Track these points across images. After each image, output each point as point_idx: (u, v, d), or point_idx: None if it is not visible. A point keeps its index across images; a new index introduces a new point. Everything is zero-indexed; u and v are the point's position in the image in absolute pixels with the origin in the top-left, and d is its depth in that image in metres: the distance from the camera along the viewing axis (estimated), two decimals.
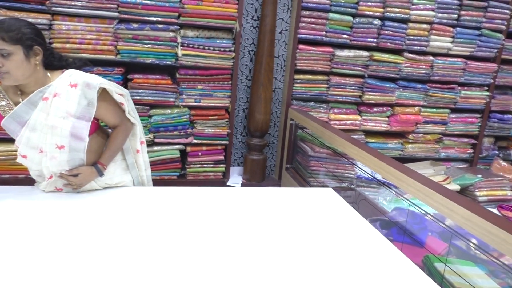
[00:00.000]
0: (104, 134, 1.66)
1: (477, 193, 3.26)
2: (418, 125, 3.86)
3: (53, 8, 2.88)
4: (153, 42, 3.09)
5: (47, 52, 1.44)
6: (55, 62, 1.48)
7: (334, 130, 2.58)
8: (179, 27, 3.13)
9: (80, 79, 1.44)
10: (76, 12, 2.92)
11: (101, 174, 1.54)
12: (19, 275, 0.98)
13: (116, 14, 2.98)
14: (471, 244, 1.90)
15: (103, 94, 1.50)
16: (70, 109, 1.42)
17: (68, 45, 2.94)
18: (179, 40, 3.13)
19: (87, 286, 0.96)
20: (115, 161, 1.64)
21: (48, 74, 1.46)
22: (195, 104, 3.31)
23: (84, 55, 2.98)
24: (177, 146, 3.33)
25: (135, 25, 3.01)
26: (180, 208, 1.44)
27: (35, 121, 1.42)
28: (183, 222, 1.32)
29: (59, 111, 1.41)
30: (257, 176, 3.67)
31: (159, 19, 3.06)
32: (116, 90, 1.54)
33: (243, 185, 3.59)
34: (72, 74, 1.46)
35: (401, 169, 1.67)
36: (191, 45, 3.17)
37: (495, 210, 2.79)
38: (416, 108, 3.82)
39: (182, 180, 3.38)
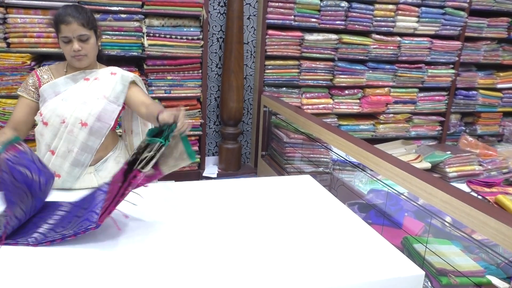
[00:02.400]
0: (117, 137, 1.69)
1: (447, 170, 3.36)
2: (388, 105, 3.92)
3: (6, 1, 2.70)
4: (117, 33, 2.97)
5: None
6: (100, 52, 1.63)
7: (307, 115, 2.57)
8: (143, 17, 3.01)
9: (120, 70, 1.61)
10: (32, 4, 2.75)
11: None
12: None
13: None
14: (446, 223, 1.96)
15: (135, 83, 1.63)
16: (106, 92, 1.52)
17: (25, 39, 2.78)
18: (144, 30, 3.02)
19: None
20: (117, 162, 1.62)
21: (97, 63, 1.62)
22: (165, 95, 3.22)
23: (43, 49, 2.83)
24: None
25: (97, 16, 2.87)
26: (157, 203, 1.40)
27: (70, 93, 1.50)
28: (161, 218, 1.28)
29: (95, 92, 1.51)
30: (233, 165, 3.64)
31: (122, 8, 2.94)
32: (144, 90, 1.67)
33: (219, 174, 3.56)
34: (114, 67, 1.62)
35: (376, 152, 1.68)
36: (157, 35, 3.06)
37: (464, 186, 2.89)
38: (386, 89, 3.87)
39: None
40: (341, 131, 2.17)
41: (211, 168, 3.65)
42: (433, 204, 1.34)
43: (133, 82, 1.61)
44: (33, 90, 1.52)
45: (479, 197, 2.39)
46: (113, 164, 1.61)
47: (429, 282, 1.36)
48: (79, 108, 1.48)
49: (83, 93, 1.51)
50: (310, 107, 3.68)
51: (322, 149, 3.10)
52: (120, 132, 1.83)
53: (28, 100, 1.52)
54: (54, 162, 1.50)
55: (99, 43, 1.57)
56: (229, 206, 1.42)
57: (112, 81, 1.55)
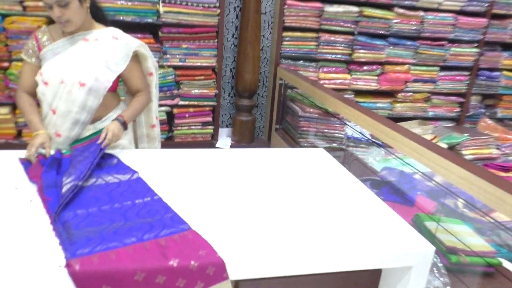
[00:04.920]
0: (118, 98, 1.70)
1: (464, 152, 3.29)
2: (407, 83, 3.83)
3: None
4: None
5: None
6: (99, 12, 1.60)
7: (324, 88, 2.52)
8: None
9: (123, 35, 1.58)
10: None
11: (125, 127, 1.53)
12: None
13: None
14: (460, 202, 1.93)
15: (137, 58, 1.62)
16: (105, 55, 1.50)
17: (41, 3, 2.70)
18: None
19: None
20: (124, 133, 1.62)
21: (95, 23, 1.57)
22: (180, 64, 3.19)
23: None
24: (163, 108, 3.24)
25: None
26: (169, 169, 1.40)
27: (69, 54, 1.50)
28: (173, 183, 1.28)
29: (94, 53, 1.50)
30: (246, 138, 3.63)
31: None
32: (152, 58, 1.67)
33: (232, 146, 3.55)
34: (115, 30, 1.59)
35: (396, 128, 1.64)
36: (173, 1, 3.00)
37: None
38: (406, 66, 3.77)
39: (169, 143, 3.32)
40: (359, 105, 2.12)
41: (224, 140, 3.64)
42: (451, 180, 1.30)
43: (135, 56, 1.60)
44: (34, 53, 1.53)
45: None
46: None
47: (438, 259, 1.34)
48: (77, 69, 1.48)
49: (82, 54, 1.50)
50: (326, 81, 3.61)
51: (337, 125, 3.05)
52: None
53: (30, 64, 1.54)
54: (55, 121, 1.51)
55: (87, 5, 1.50)
56: (241, 174, 1.41)
57: (113, 46, 1.54)
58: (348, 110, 2.07)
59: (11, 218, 1.04)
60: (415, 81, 3.84)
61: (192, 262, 0.93)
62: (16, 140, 2.95)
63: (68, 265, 0.87)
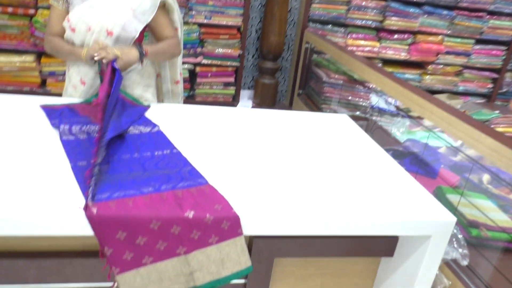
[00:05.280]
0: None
1: None
2: (439, 55, 3.66)
3: None
4: None
5: None
6: None
7: (354, 55, 2.43)
8: None
9: None
10: None
11: (141, 56, 1.47)
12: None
13: None
14: (486, 178, 1.86)
15: (164, 8, 1.58)
16: (133, 5, 1.47)
17: None
18: None
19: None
20: (141, 75, 1.60)
21: None
22: (205, 21, 3.12)
23: None
24: (185, 66, 3.20)
25: None
26: (190, 125, 1.38)
27: (97, 1, 1.47)
28: (193, 139, 1.27)
29: (122, 2, 1.47)
30: (268, 101, 3.58)
31: None
32: (178, 12, 1.63)
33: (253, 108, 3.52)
34: None
35: (425, 96, 1.57)
36: None
37: None
38: (439, 37, 3.59)
39: (191, 101, 3.31)
40: (388, 72, 2.03)
41: (245, 102, 3.60)
42: (480, 152, 1.25)
43: (162, 6, 1.56)
44: None
45: None
46: (136, 76, 1.58)
47: (458, 230, 1.31)
48: (105, 17, 1.45)
49: (110, 2, 1.47)
50: (354, 48, 3.48)
51: (362, 93, 2.97)
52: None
53: (58, 9, 1.51)
54: (81, 69, 1.51)
55: None
56: (262, 134, 1.38)
57: None
58: (376, 77, 1.99)
59: (36, 160, 1.05)
60: (448, 53, 3.67)
61: (208, 215, 0.92)
62: (40, 89, 2.98)
63: (86, 208, 0.88)
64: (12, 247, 0.95)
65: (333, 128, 1.52)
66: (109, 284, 0.94)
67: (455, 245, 1.25)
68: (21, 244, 0.95)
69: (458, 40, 3.66)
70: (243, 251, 0.96)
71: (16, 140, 1.12)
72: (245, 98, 3.70)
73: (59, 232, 0.87)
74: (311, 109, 3.19)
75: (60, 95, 1.61)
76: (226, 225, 0.93)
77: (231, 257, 0.96)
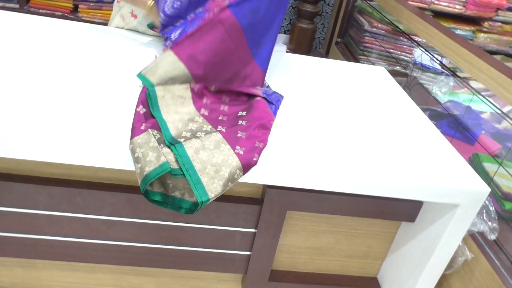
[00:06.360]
0: None
1: None
2: (499, 11, 3.31)
3: None
4: None
5: None
6: None
7: (402, 1, 2.21)
8: None
9: None
10: None
11: None
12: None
13: None
14: None
15: None
16: None
17: None
18: None
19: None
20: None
21: None
22: None
23: None
24: None
25: None
26: None
27: None
28: None
29: None
30: (303, 47, 3.41)
31: None
32: None
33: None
34: None
35: (475, 51, 1.41)
36: None
37: None
38: None
39: None
40: (439, 23, 1.84)
41: (279, 46, 3.45)
42: None
43: None
44: None
45: None
46: None
47: (490, 202, 1.22)
48: None
49: None
50: None
51: (405, 46, 2.76)
52: None
53: None
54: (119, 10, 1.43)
55: None
56: (293, 80, 1.29)
57: None
58: (426, 29, 1.80)
59: (67, 86, 1.01)
60: (509, 9, 3.31)
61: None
62: (72, 15, 2.94)
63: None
64: (25, 171, 0.94)
65: (368, 80, 1.41)
66: (116, 218, 0.93)
67: (485, 217, 1.16)
68: (34, 170, 0.94)
69: None
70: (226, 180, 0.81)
71: (47, 62, 1.08)
72: (280, 42, 3.54)
73: (75, 161, 0.83)
74: (348, 60, 3.01)
75: (91, 22, 1.55)
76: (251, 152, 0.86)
77: (224, 170, 0.81)
